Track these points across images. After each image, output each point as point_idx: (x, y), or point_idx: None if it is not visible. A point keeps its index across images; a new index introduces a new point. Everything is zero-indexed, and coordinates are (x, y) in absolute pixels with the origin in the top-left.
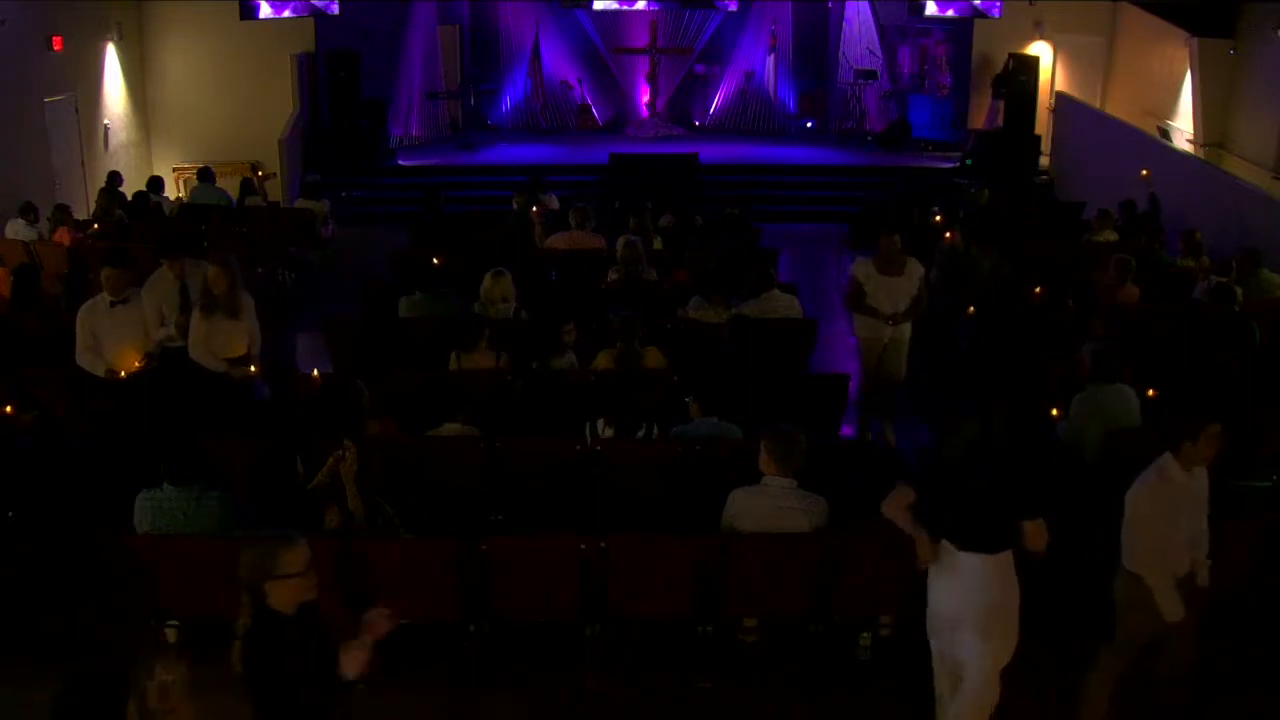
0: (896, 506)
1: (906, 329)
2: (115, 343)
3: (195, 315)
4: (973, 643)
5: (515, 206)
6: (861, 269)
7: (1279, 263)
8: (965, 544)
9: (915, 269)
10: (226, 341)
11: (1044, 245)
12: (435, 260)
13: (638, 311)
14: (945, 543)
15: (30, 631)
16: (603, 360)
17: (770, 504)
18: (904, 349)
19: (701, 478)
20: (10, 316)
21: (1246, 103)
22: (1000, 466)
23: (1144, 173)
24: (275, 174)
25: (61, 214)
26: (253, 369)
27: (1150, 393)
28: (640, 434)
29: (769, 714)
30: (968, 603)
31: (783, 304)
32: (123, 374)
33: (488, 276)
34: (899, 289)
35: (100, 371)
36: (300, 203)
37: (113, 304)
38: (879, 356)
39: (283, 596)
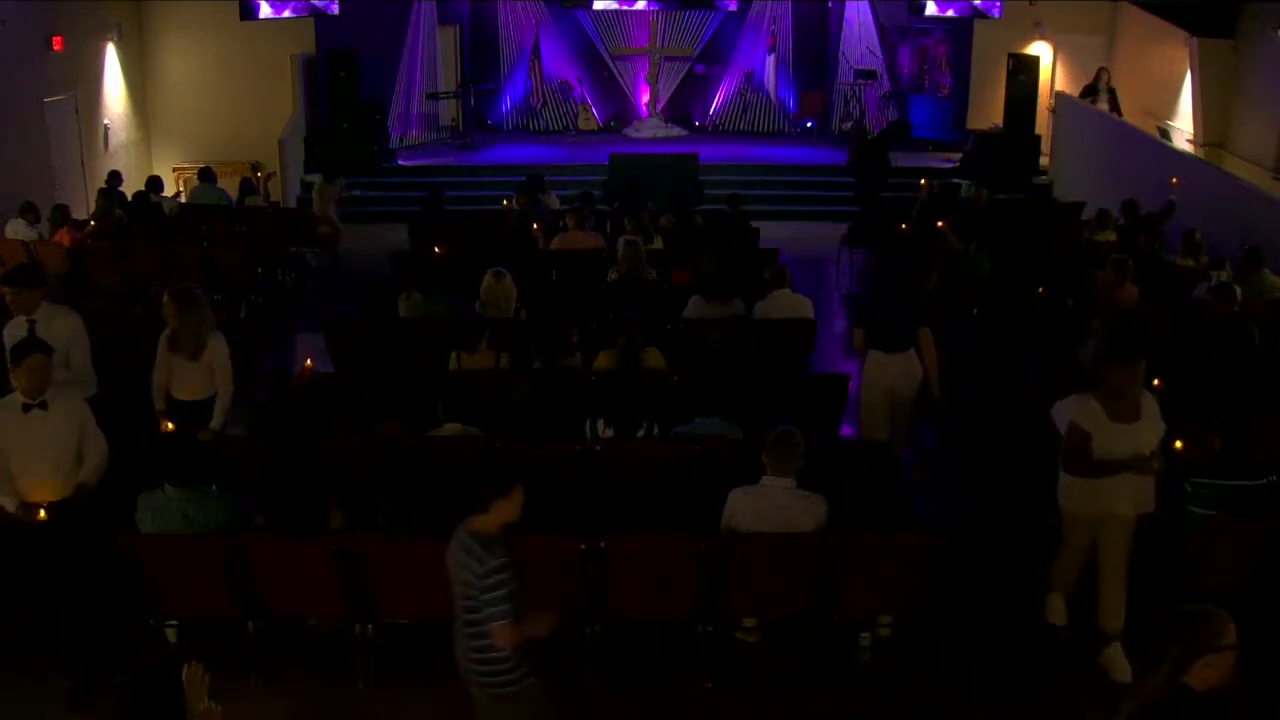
0: (860, 341)
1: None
2: (25, 462)
3: (162, 347)
4: (910, 397)
5: (516, 205)
6: (1087, 416)
7: (1278, 263)
8: (896, 349)
9: (1153, 408)
10: (187, 384)
11: (1044, 245)
12: (436, 250)
13: (638, 311)
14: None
15: (30, 631)
16: (603, 360)
17: (769, 504)
18: (1129, 535)
19: (701, 478)
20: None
21: (1246, 103)
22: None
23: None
24: (275, 173)
25: (61, 214)
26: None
27: (1156, 382)
28: (640, 433)
29: (769, 714)
30: (908, 377)
31: (795, 304)
32: (43, 513)
33: (488, 277)
34: (1137, 442)
35: (9, 506)
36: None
37: (26, 407)
38: (1089, 538)
39: (1208, 675)
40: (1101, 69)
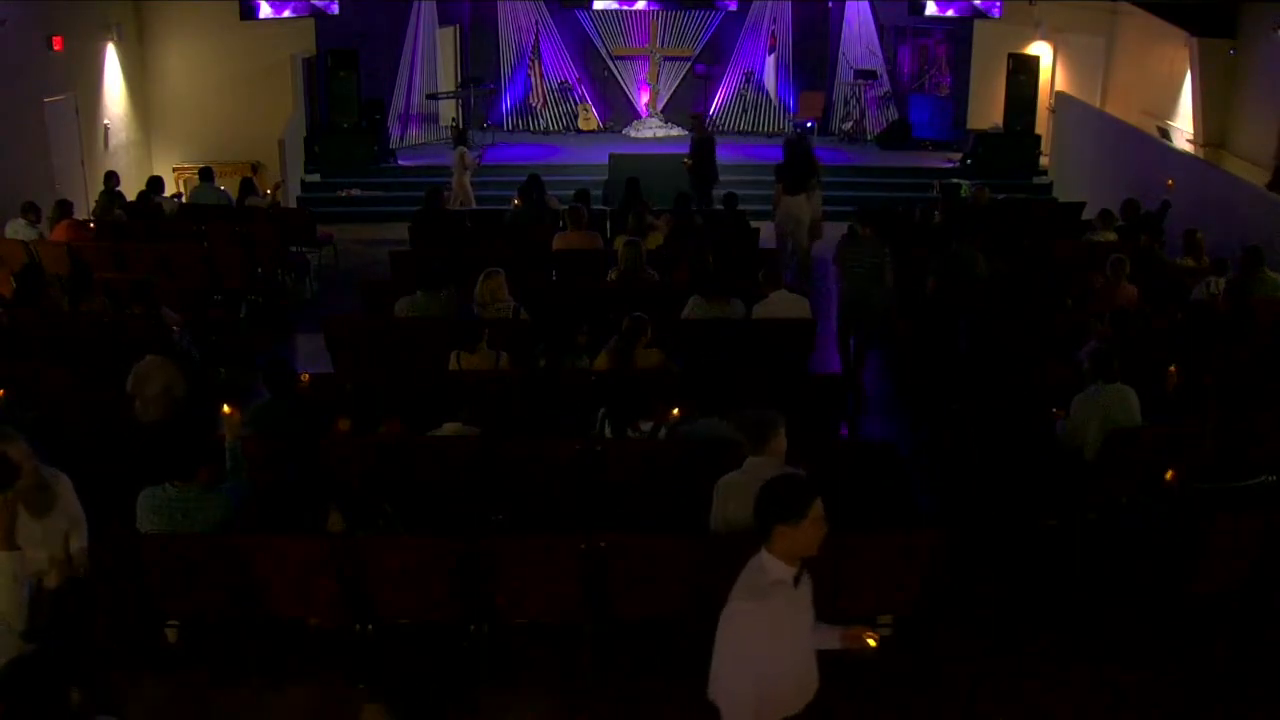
0: (780, 191)
1: None
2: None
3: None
4: (804, 220)
5: (516, 203)
6: None
7: (1278, 263)
8: (797, 193)
9: None
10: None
11: (1044, 245)
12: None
13: (640, 312)
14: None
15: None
16: (602, 361)
17: (755, 484)
18: None
19: (701, 478)
20: (12, 315)
21: (1246, 103)
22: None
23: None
24: (281, 182)
25: (62, 210)
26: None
27: (1171, 369)
28: (647, 430)
29: None
30: (804, 210)
31: (791, 304)
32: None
33: (480, 277)
34: None
35: None
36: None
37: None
38: None
39: None
40: None
